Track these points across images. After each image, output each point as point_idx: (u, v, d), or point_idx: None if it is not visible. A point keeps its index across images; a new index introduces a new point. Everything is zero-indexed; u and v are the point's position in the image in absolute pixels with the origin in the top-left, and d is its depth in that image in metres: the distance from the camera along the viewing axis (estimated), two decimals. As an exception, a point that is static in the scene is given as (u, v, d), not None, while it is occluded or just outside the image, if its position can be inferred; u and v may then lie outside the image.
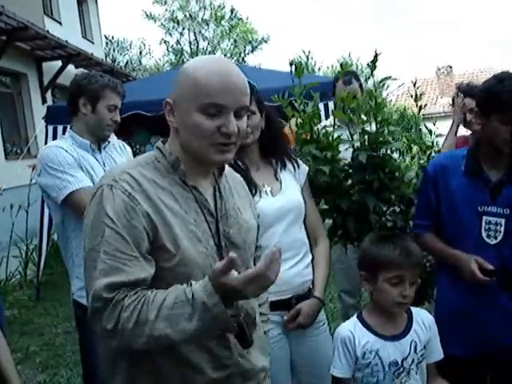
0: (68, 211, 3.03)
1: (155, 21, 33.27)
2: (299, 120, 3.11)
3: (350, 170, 3.08)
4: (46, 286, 7.49)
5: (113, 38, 30.77)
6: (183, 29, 33.29)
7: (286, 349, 2.66)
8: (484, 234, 2.50)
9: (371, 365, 2.25)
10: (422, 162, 3.38)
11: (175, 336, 1.50)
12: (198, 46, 33.31)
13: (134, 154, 3.65)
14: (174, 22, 33.00)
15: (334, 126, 3.19)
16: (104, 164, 3.21)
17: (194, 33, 33.42)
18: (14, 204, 7.67)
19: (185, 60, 31.64)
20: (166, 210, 1.64)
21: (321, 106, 5.97)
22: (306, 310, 2.63)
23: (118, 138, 3.57)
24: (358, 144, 3.05)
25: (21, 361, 5.21)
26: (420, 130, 3.74)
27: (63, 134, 6.99)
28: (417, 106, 3.24)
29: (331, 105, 5.82)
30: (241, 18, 33.36)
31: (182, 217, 1.67)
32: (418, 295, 2.75)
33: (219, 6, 32.82)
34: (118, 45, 31.08)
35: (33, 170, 7.24)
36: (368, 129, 3.01)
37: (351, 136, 3.09)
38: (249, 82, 2.59)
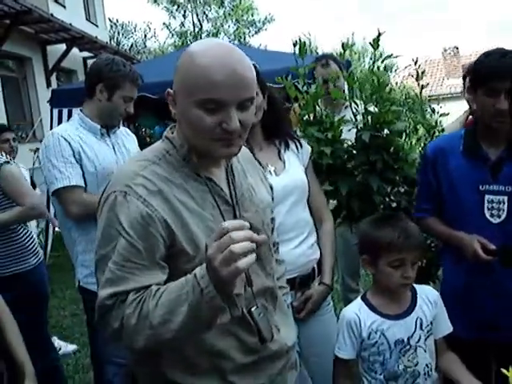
0: None
1: (158, 4, 33.15)
2: (302, 102, 3.10)
3: (354, 151, 3.08)
4: (52, 269, 7.50)
5: (117, 21, 30.68)
6: (185, 11, 33.14)
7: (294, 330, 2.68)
8: (487, 214, 2.48)
9: (377, 344, 2.26)
10: (426, 142, 3.37)
11: (173, 324, 1.44)
12: (201, 28, 33.16)
13: (141, 137, 3.66)
14: (176, 4, 32.84)
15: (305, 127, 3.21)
16: (114, 148, 3.21)
17: (197, 15, 33.25)
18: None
19: (188, 42, 31.54)
20: (183, 209, 1.59)
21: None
22: (316, 297, 2.66)
23: (124, 122, 3.57)
24: (361, 125, 3.05)
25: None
26: (423, 109, 3.71)
27: (68, 117, 7.02)
28: (418, 85, 3.22)
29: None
30: (240, 0, 33.14)
31: (199, 214, 1.62)
32: (423, 274, 2.77)
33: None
34: (122, 28, 30.97)
35: (35, 153, 7.28)
36: (371, 109, 3.01)
37: (355, 117, 3.09)
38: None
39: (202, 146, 1.60)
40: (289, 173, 2.66)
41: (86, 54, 16.34)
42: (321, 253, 2.75)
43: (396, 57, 3.11)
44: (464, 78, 3.79)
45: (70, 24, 13.21)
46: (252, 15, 33.50)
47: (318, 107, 3.10)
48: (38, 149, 8.41)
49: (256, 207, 1.79)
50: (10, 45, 11.79)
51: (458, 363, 2.36)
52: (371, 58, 3.14)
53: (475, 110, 2.58)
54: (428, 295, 2.38)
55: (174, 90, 1.60)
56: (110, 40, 25.20)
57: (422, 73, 3.19)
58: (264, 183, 1.97)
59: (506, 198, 2.46)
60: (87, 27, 16.49)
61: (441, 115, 3.36)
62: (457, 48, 27.89)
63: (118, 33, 30.74)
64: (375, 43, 3.04)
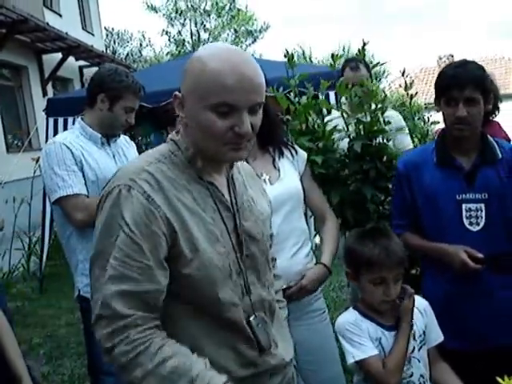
0: None
1: (156, 11, 33.21)
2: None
3: (347, 160, 3.09)
4: (48, 279, 7.52)
5: (113, 29, 30.70)
6: (185, 19, 33.22)
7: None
8: (466, 222, 2.51)
9: None
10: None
11: None
12: (199, 37, 33.22)
13: (137, 146, 3.66)
14: (176, 12, 32.91)
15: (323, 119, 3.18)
16: (114, 157, 3.21)
17: (196, 24, 33.34)
18: (15, 197, 7.69)
19: (186, 51, 31.61)
20: (184, 210, 1.58)
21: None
22: (311, 273, 2.60)
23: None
24: (353, 134, 3.06)
25: (24, 353, 5.22)
26: (414, 118, 3.73)
27: (64, 126, 7.01)
28: (407, 95, 3.25)
29: (332, 95, 5.77)
30: (240, 9, 33.25)
31: (200, 216, 1.61)
32: (415, 284, 2.76)
33: (221, -4, 32.76)
34: (118, 37, 31.00)
35: (36, 162, 7.28)
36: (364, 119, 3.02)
37: (347, 126, 3.10)
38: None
39: (211, 149, 1.59)
40: (283, 182, 2.66)
41: (82, 62, 16.37)
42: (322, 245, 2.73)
43: (383, 64, 3.13)
44: None
45: (66, 33, 13.24)
46: (252, 25, 33.60)
47: (309, 117, 3.10)
48: (39, 158, 8.44)
49: (256, 218, 1.78)
50: (5, 54, 11.82)
51: (451, 373, 2.36)
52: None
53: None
54: (418, 304, 2.36)
55: (183, 93, 1.59)
56: (106, 49, 25.20)
57: (411, 83, 3.21)
58: (264, 197, 1.96)
59: (483, 206, 2.50)
60: (83, 36, 16.52)
61: (431, 123, 3.39)
62: (452, 56, 27.96)
63: (114, 41, 30.77)
64: (362, 53, 3.05)
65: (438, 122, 3.27)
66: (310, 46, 47.91)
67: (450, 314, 2.56)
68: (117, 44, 30.83)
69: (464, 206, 2.51)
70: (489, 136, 2.62)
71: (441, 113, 2.57)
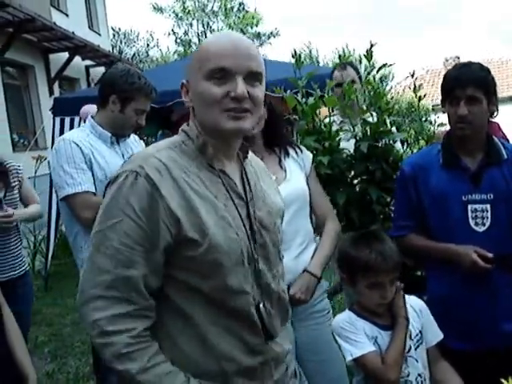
0: None
1: (163, 12, 33.28)
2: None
3: (353, 161, 3.09)
4: (54, 277, 7.54)
5: (119, 29, 30.77)
6: (192, 19, 33.28)
7: (290, 335, 2.67)
8: (472, 223, 2.52)
9: None
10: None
11: None
12: (205, 38, 33.30)
13: (144, 145, 3.68)
14: (184, 12, 32.99)
15: (330, 117, 3.19)
16: (123, 156, 3.21)
17: (203, 24, 33.40)
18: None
19: (192, 51, 31.67)
20: (194, 196, 1.58)
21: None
22: (297, 282, 2.59)
23: None
24: (360, 135, 3.06)
25: (29, 351, 5.23)
26: (422, 120, 3.74)
27: (70, 125, 7.03)
28: (416, 96, 3.25)
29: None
30: (248, 11, 33.31)
31: (211, 203, 1.62)
32: (417, 285, 2.76)
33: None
34: (124, 36, 31.06)
35: (37, 161, 7.29)
36: (370, 119, 3.02)
37: (353, 127, 3.11)
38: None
39: (211, 120, 1.61)
40: (290, 182, 2.67)
41: (88, 62, 16.41)
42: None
43: (390, 65, 3.13)
44: None
45: (73, 32, 13.28)
46: (257, 25, 33.62)
47: (316, 117, 3.11)
48: (40, 156, 8.46)
49: (269, 208, 1.80)
50: (12, 53, 11.85)
51: (452, 373, 2.36)
52: (365, 70, 3.17)
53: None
54: (413, 305, 2.37)
55: (187, 79, 1.67)
56: (113, 49, 25.28)
57: (420, 85, 3.22)
58: (277, 192, 1.98)
59: (488, 206, 2.51)
60: (90, 36, 16.56)
61: (438, 125, 3.39)
62: (458, 57, 27.95)
63: (121, 41, 30.84)
64: (369, 55, 3.06)
65: (445, 124, 3.28)
66: (317, 47, 48.04)
67: (455, 314, 2.56)
68: (123, 44, 30.89)
69: (470, 206, 2.52)
70: (494, 137, 2.63)
71: (446, 114, 2.58)
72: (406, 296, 2.40)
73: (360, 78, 3.96)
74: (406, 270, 2.78)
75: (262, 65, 1.66)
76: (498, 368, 2.54)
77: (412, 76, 3.27)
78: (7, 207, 3.55)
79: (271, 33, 34.15)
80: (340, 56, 4.26)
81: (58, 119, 7.32)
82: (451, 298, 2.58)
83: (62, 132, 6.99)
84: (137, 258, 1.54)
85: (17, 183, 3.70)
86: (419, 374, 2.27)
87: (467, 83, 2.43)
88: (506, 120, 3.75)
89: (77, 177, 2.97)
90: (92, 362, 3.57)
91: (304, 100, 3.13)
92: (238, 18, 33.35)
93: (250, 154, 1.86)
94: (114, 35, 29.01)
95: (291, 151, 2.77)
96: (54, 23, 12.51)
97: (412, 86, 3.23)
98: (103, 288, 1.54)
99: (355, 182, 3.15)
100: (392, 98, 3.12)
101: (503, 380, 1.65)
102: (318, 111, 3.13)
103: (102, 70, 17.22)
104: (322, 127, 3.10)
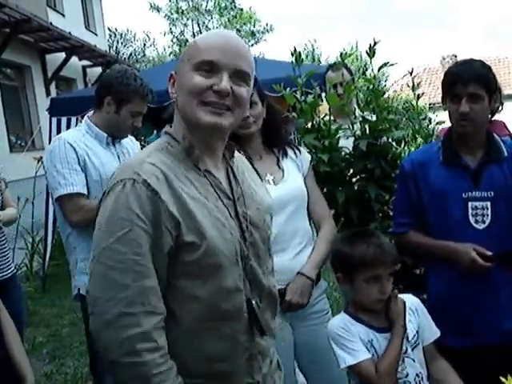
0: None
1: (159, 11, 33.27)
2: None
3: (352, 159, 3.09)
4: (51, 278, 7.52)
5: (116, 29, 30.74)
6: (187, 19, 33.28)
7: (289, 336, 2.66)
8: (472, 220, 2.52)
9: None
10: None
11: None
12: (200, 36, 33.29)
13: (141, 146, 3.66)
14: (178, 13, 32.98)
15: (330, 117, 3.18)
16: (119, 157, 3.20)
17: (198, 24, 33.40)
18: (19, 196, 7.69)
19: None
20: (188, 198, 1.58)
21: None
22: (292, 286, 2.57)
23: None
24: (358, 133, 3.06)
25: (28, 352, 5.23)
26: (421, 119, 3.74)
27: (67, 125, 7.02)
28: (414, 95, 3.25)
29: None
30: (241, 9, 33.28)
31: (203, 204, 1.61)
32: (418, 284, 2.76)
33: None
34: (121, 37, 31.04)
35: (38, 162, 7.28)
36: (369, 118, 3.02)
37: (352, 125, 3.10)
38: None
39: (191, 111, 1.61)
40: (287, 182, 2.66)
41: (85, 62, 16.40)
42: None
43: (391, 65, 3.13)
44: None
45: (69, 33, 13.27)
46: (254, 25, 33.59)
47: (315, 115, 3.11)
48: (41, 157, 8.44)
49: (257, 205, 1.80)
50: (9, 53, 11.83)
51: (449, 370, 2.34)
52: (364, 66, 3.17)
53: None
54: (409, 305, 2.34)
55: (175, 70, 1.67)
56: (109, 49, 25.26)
57: (418, 83, 3.22)
58: (265, 189, 1.99)
59: (488, 204, 2.51)
60: (86, 36, 16.55)
61: (436, 123, 3.39)
62: (455, 56, 27.96)
63: (117, 41, 30.81)
64: (371, 52, 3.06)
65: (443, 122, 3.28)
66: (319, 44, 48.05)
67: (454, 311, 2.56)
68: (120, 44, 30.87)
69: (470, 204, 2.52)
70: (494, 134, 2.62)
71: (447, 112, 2.57)
72: (403, 295, 2.39)
73: (353, 79, 3.96)
74: (405, 268, 2.78)
75: (251, 67, 1.68)
76: (497, 366, 2.55)
77: (411, 74, 3.26)
78: None
79: (265, 28, 34.09)
80: (341, 54, 4.23)
81: (54, 119, 7.30)
82: (450, 295, 2.58)
83: (58, 132, 6.97)
84: (151, 265, 1.52)
85: (2, 184, 3.63)
86: (417, 374, 2.25)
87: (469, 80, 2.42)
88: (504, 117, 3.74)
89: (69, 177, 2.96)
90: (89, 363, 3.55)
91: (303, 98, 3.12)
92: (234, 17, 33.31)
93: (236, 153, 1.85)
94: (110, 35, 28.98)
95: (290, 152, 2.76)
96: (51, 23, 12.49)
97: (410, 84, 3.23)
98: (126, 304, 1.49)
99: (354, 180, 3.15)
100: (388, 96, 3.11)
101: (502, 378, 1.65)
102: (317, 109, 3.13)
103: (98, 70, 17.22)
104: (322, 125, 3.10)
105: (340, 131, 3.13)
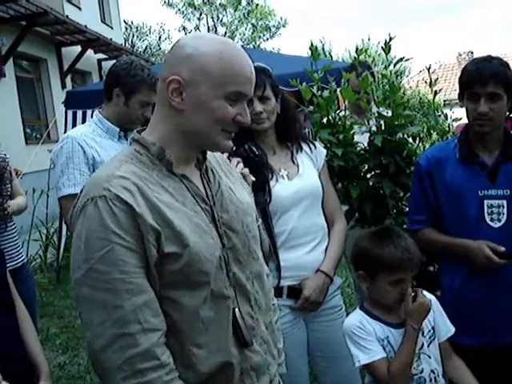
0: None
1: (173, 7, 33.31)
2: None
3: (366, 155, 3.08)
4: (65, 269, 7.54)
5: (132, 23, 30.81)
6: (201, 14, 33.29)
7: (302, 333, 2.66)
8: (488, 218, 2.50)
9: (386, 352, 2.20)
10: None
11: None
12: (216, 32, 33.29)
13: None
14: (192, 7, 32.99)
15: (345, 112, 3.17)
16: None
17: (212, 18, 33.39)
18: (34, 188, 7.74)
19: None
20: (166, 208, 1.52)
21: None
22: (309, 283, 2.57)
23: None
24: (374, 128, 3.05)
25: (41, 343, 5.27)
26: (437, 115, 3.71)
27: (82, 118, 7.05)
28: (431, 91, 3.23)
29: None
30: (257, 4, 33.23)
31: (182, 211, 1.56)
32: (431, 282, 2.74)
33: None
34: (137, 30, 31.11)
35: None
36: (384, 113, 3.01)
37: (367, 121, 3.09)
38: (264, 68, 2.59)
39: (208, 134, 1.59)
40: (302, 177, 2.65)
41: (100, 55, 16.43)
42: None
43: (407, 60, 3.12)
44: None
45: (85, 26, 13.29)
46: (270, 20, 33.56)
47: (331, 110, 3.10)
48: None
49: (236, 207, 1.73)
50: (25, 46, 11.88)
51: (464, 369, 2.34)
52: (382, 63, 3.15)
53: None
54: None
55: (185, 79, 1.55)
56: (125, 42, 25.32)
57: (436, 80, 3.19)
58: (243, 184, 1.92)
59: (504, 202, 2.49)
60: (102, 29, 16.57)
61: (453, 120, 3.38)
62: (472, 52, 27.76)
63: (133, 35, 30.88)
64: (387, 48, 3.04)
65: (460, 119, 3.26)
66: (330, 40, 47.97)
67: (468, 310, 2.55)
68: (135, 37, 30.93)
69: (486, 202, 2.50)
70: (511, 132, 2.60)
71: (464, 109, 2.55)
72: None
73: (372, 73, 3.91)
74: (419, 265, 2.77)
75: None
76: (509, 364, 2.54)
77: (428, 70, 3.24)
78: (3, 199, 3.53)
79: (279, 23, 34.04)
80: (357, 49, 4.19)
81: (70, 112, 7.35)
82: (466, 293, 2.56)
83: (74, 125, 7.01)
84: (141, 280, 1.48)
85: (7, 173, 3.62)
86: (432, 371, 2.25)
87: (488, 80, 2.39)
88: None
89: (73, 178, 2.99)
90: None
91: (319, 93, 3.11)
92: (249, 11, 33.26)
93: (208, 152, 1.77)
94: (126, 28, 29.05)
95: (305, 146, 2.74)
96: (67, 16, 12.52)
97: (427, 81, 3.22)
98: (121, 325, 1.45)
99: (369, 175, 3.14)
100: (404, 92, 3.09)
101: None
102: (337, 102, 3.12)
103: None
104: (337, 120, 3.09)
105: (355, 126, 3.12)
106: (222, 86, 1.55)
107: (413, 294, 2.23)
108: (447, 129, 3.37)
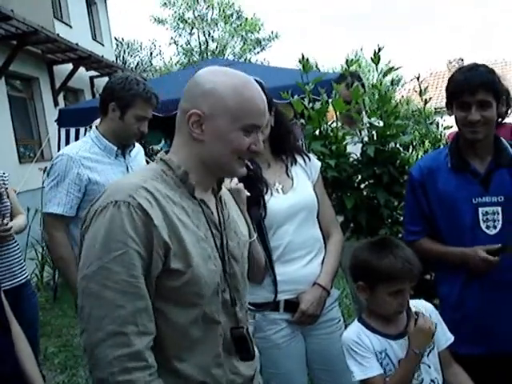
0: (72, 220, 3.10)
1: (164, 24, 33.44)
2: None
3: (359, 165, 3.09)
4: (62, 288, 7.50)
5: (123, 39, 30.86)
6: (192, 28, 33.41)
7: (300, 346, 2.66)
8: (483, 226, 2.50)
9: (383, 365, 2.21)
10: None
11: None
12: (207, 47, 33.40)
13: (148, 155, 3.68)
14: (182, 22, 33.12)
15: (337, 123, 3.18)
16: (127, 169, 3.21)
17: (204, 33, 33.51)
18: (29, 207, 7.72)
19: (195, 60, 31.79)
20: (181, 226, 1.63)
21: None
22: (307, 297, 2.57)
23: None
24: (366, 139, 3.06)
25: (39, 362, 5.23)
26: (428, 123, 3.73)
27: (76, 136, 7.06)
28: (421, 100, 3.24)
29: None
30: (246, 18, 33.38)
31: (194, 232, 1.67)
32: (429, 291, 2.74)
33: (227, 4, 32.87)
34: (128, 46, 31.16)
35: (44, 172, 7.32)
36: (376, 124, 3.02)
37: (360, 131, 3.10)
38: (256, 80, 2.60)
39: (226, 162, 1.72)
40: (296, 191, 2.65)
41: (92, 73, 16.46)
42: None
43: (396, 69, 3.14)
44: None
45: (77, 44, 13.32)
46: (258, 32, 33.68)
47: (323, 122, 3.11)
48: (46, 168, 8.48)
49: (238, 239, 1.87)
50: (17, 65, 11.89)
51: (465, 377, 2.34)
52: (377, 71, 3.16)
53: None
54: (422, 309, 2.33)
55: (205, 112, 1.67)
56: (116, 59, 25.35)
57: (425, 89, 3.21)
58: (244, 221, 2.03)
59: (499, 209, 2.50)
60: (93, 46, 16.61)
61: (444, 128, 3.39)
62: (462, 59, 27.89)
63: (124, 51, 30.92)
64: (376, 58, 3.06)
65: (451, 127, 3.27)
66: (320, 51, 48.26)
67: (467, 319, 2.54)
68: (127, 54, 30.99)
69: (480, 209, 2.51)
70: (502, 138, 2.62)
71: (453, 117, 2.56)
72: (415, 301, 2.39)
73: (363, 85, 3.92)
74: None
75: None
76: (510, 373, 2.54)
77: (418, 79, 3.26)
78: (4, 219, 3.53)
79: (270, 36, 34.18)
80: (347, 61, 4.19)
81: (63, 130, 7.37)
82: (464, 302, 2.56)
83: (67, 143, 7.03)
84: (144, 287, 1.57)
85: (3, 189, 3.59)
86: (432, 380, 2.25)
87: (477, 88, 2.40)
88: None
89: (59, 197, 3.02)
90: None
91: (311, 105, 3.12)
92: (239, 25, 33.39)
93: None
94: (117, 45, 29.09)
95: (299, 159, 2.74)
96: (58, 35, 12.55)
97: (417, 89, 3.23)
98: (120, 324, 1.53)
99: (362, 186, 3.15)
100: (396, 102, 3.10)
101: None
102: (325, 115, 3.13)
103: (106, 80, 17.22)
104: (329, 132, 3.10)
105: (347, 137, 3.13)
106: (239, 120, 1.68)
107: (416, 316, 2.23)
108: (439, 137, 3.38)
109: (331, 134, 3.10)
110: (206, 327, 1.69)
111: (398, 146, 3.13)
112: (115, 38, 27.24)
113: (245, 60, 30.56)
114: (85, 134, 6.58)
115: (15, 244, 3.62)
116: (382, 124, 3.09)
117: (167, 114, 6.44)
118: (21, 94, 13.58)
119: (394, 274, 2.18)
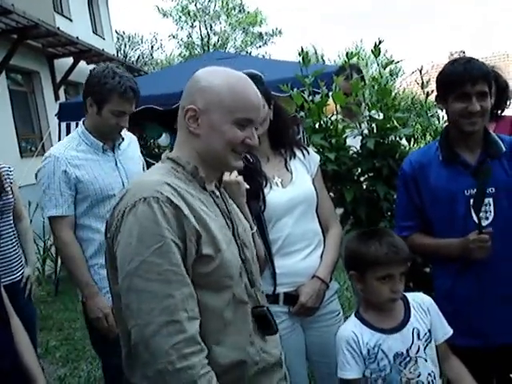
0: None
1: (167, 16, 33.37)
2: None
3: (359, 158, 3.08)
4: (63, 282, 7.54)
5: (124, 33, 30.79)
6: (194, 21, 33.34)
7: (300, 338, 2.67)
8: (475, 217, 2.48)
9: (377, 360, 2.23)
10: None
11: None
12: (208, 40, 33.34)
13: (149, 148, 3.66)
14: (185, 15, 33.05)
15: (336, 116, 3.17)
16: (116, 163, 3.14)
17: (205, 26, 33.44)
18: (30, 201, 7.72)
19: (196, 53, 31.74)
20: (204, 215, 1.72)
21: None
22: (306, 289, 2.59)
23: (133, 133, 3.55)
24: (366, 131, 3.06)
25: (41, 356, 5.27)
26: (429, 115, 3.72)
27: (76, 130, 7.04)
28: (423, 92, 3.23)
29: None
30: (249, 12, 33.30)
31: (215, 220, 1.77)
32: (425, 283, 2.74)
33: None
34: (129, 40, 31.08)
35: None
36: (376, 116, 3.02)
37: (359, 124, 3.10)
38: (256, 74, 2.60)
39: (220, 155, 1.80)
40: (295, 184, 2.66)
41: (93, 66, 16.42)
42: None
43: (397, 62, 3.13)
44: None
45: (77, 37, 13.30)
46: (260, 26, 33.59)
47: (322, 115, 3.11)
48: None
49: (243, 227, 1.98)
50: (17, 59, 11.87)
51: (463, 369, 2.35)
52: (377, 64, 3.15)
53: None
54: (420, 303, 2.35)
55: (200, 107, 1.77)
56: (117, 52, 25.31)
57: (428, 81, 3.20)
58: (241, 214, 2.10)
59: (491, 200, 2.50)
60: (94, 40, 16.59)
61: (445, 121, 3.38)
62: (463, 52, 27.85)
63: (125, 45, 30.85)
64: (376, 51, 3.06)
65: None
66: (322, 46, 48.10)
67: (461, 310, 2.54)
68: (128, 47, 30.91)
69: (472, 201, 2.50)
70: (490, 131, 2.62)
71: (445, 110, 2.57)
72: (413, 294, 2.41)
73: (363, 77, 3.91)
74: (415, 266, 2.77)
75: None
76: (507, 365, 2.54)
77: (420, 72, 3.25)
78: None
79: (273, 31, 34.10)
80: (347, 53, 4.17)
81: (63, 124, 7.35)
82: (457, 293, 2.56)
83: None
84: (186, 274, 1.64)
85: (9, 185, 3.58)
86: (429, 373, 2.26)
87: (477, 79, 2.42)
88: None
89: (54, 199, 3.00)
90: (102, 366, 3.56)
91: (311, 98, 3.12)
92: (241, 18, 33.30)
93: None
94: (118, 38, 29.03)
95: (298, 152, 2.75)
96: (58, 28, 12.52)
97: (419, 82, 3.22)
98: (170, 313, 1.59)
99: (362, 179, 3.15)
100: (396, 94, 3.09)
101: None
102: (324, 109, 3.13)
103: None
104: (329, 125, 3.10)
105: (347, 130, 3.12)
106: (233, 113, 1.76)
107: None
108: (441, 129, 3.36)
109: (331, 127, 3.09)
110: (237, 308, 1.78)
111: (397, 138, 3.12)
112: (116, 32, 27.20)
113: (246, 53, 30.46)
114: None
115: (14, 240, 3.61)
116: (381, 117, 3.08)
117: (167, 108, 6.44)
118: (21, 88, 13.57)
119: (381, 259, 2.22)
